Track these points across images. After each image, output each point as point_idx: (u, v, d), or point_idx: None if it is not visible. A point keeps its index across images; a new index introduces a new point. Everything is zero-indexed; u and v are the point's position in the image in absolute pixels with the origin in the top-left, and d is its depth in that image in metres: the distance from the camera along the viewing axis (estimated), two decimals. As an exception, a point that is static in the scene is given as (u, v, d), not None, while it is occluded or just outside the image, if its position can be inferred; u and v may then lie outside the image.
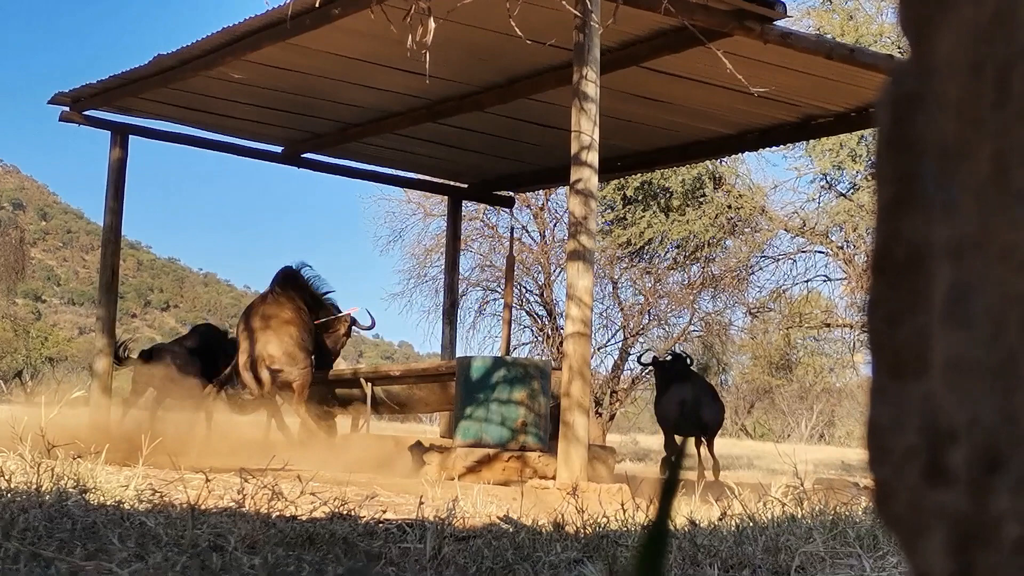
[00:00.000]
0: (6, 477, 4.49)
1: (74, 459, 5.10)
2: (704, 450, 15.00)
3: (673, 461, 0.72)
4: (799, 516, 4.82)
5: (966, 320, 0.65)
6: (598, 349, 27.12)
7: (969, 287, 0.66)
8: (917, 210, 0.69)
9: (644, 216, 25.81)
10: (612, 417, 28.35)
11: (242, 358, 15.20)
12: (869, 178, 24.02)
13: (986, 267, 0.65)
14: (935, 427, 0.66)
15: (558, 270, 26.98)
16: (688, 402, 13.12)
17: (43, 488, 4.41)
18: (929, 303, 0.67)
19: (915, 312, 0.68)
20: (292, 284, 16.04)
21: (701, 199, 25.93)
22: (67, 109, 15.95)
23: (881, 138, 0.71)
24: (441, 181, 19.98)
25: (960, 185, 0.67)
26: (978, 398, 0.65)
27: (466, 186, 19.62)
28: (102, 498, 4.58)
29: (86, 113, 16.09)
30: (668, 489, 0.71)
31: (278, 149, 17.80)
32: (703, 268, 26.99)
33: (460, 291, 22.73)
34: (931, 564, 0.66)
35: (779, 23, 11.62)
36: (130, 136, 16.57)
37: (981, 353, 0.65)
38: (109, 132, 16.46)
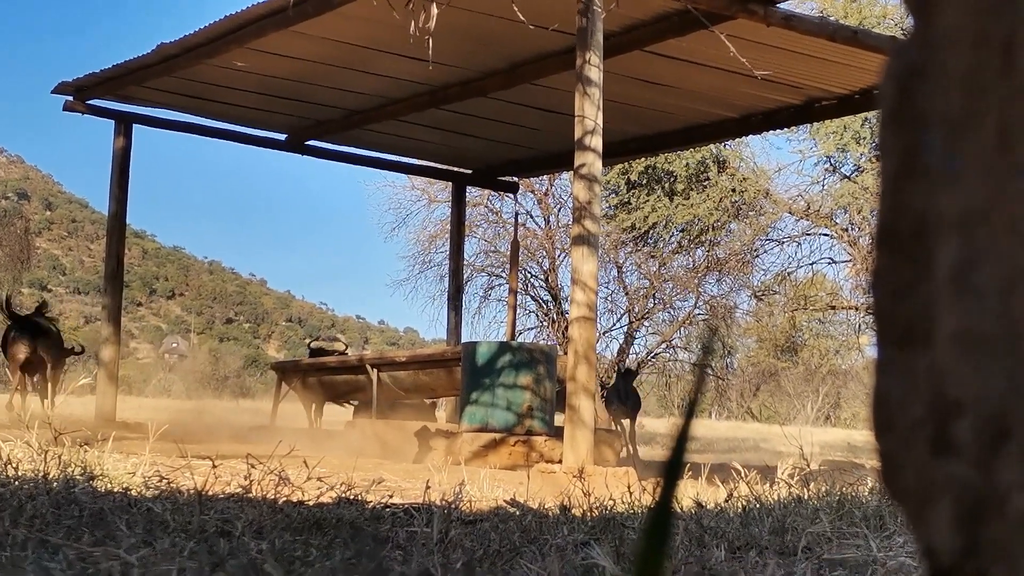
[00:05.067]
0: (13, 465, 4.50)
1: (81, 446, 5.11)
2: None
3: (677, 444, 0.72)
4: (805, 497, 4.83)
5: (972, 292, 0.65)
6: (603, 333, 27.13)
7: (975, 258, 0.65)
8: (921, 182, 0.69)
9: (648, 200, 25.80)
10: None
11: None
12: (873, 160, 23.98)
13: (992, 239, 0.65)
14: (941, 399, 0.66)
15: (563, 255, 26.98)
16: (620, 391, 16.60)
17: (50, 475, 4.42)
18: (934, 275, 0.67)
19: (920, 284, 0.68)
20: None
21: (705, 183, 25.92)
22: (71, 98, 15.96)
23: (885, 110, 0.71)
24: (445, 167, 19.98)
25: (965, 156, 0.67)
26: (985, 369, 0.65)
27: (470, 172, 19.62)
28: (109, 485, 4.59)
29: (90, 102, 16.09)
30: (671, 471, 0.71)
31: (282, 136, 17.80)
32: (708, 252, 26.99)
33: (465, 277, 22.75)
34: (938, 536, 0.66)
35: (782, 5, 11.61)
36: (134, 125, 16.58)
37: (988, 324, 0.65)
38: (113, 121, 16.47)
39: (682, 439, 0.71)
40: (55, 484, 4.25)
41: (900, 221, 0.69)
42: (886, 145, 0.71)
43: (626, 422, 16.60)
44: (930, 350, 0.67)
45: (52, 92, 15.91)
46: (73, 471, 4.57)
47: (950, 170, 0.67)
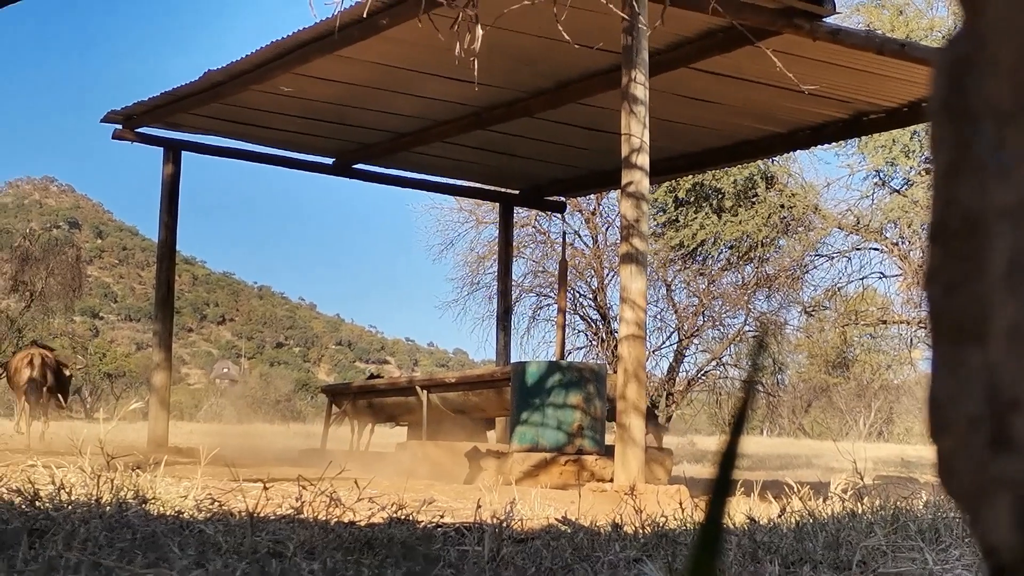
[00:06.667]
0: (67, 489, 4.52)
1: (133, 470, 5.13)
2: None
3: (725, 458, 0.71)
4: (859, 512, 4.78)
5: (1027, 286, 0.64)
6: (653, 352, 27.07)
7: (1029, 252, 0.64)
8: (973, 176, 0.68)
9: (696, 218, 25.73)
10: (668, 419, 28.27)
11: None
12: (923, 173, 23.85)
13: (1046, 232, 0.64)
14: (997, 395, 0.65)
15: (611, 274, 26.95)
16: None
17: (103, 499, 4.44)
18: (988, 270, 0.66)
19: (973, 280, 0.67)
20: None
21: (753, 199, 25.83)
22: (120, 127, 16.08)
23: (937, 104, 0.70)
24: (492, 188, 19.99)
25: (1016, 149, 0.66)
26: (1041, 365, 0.63)
27: (517, 192, 19.63)
28: (162, 508, 4.61)
29: (139, 130, 16.21)
30: (721, 486, 0.70)
31: (329, 161, 17.87)
32: (757, 268, 26.88)
33: (514, 297, 22.76)
34: (997, 535, 0.65)
35: (828, 20, 11.56)
36: (182, 152, 16.69)
37: (1043, 319, 0.64)
38: (161, 148, 16.59)
39: (731, 453, 0.70)
40: (108, 508, 4.27)
41: (953, 216, 0.68)
42: (938, 139, 0.70)
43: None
44: (985, 346, 0.66)
45: (101, 121, 16.04)
46: (126, 495, 4.59)
47: (1000, 163, 0.66)
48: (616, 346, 16.82)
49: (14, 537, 3.56)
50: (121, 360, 72.45)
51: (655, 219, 25.97)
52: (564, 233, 20.38)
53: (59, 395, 17.02)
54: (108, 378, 61.78)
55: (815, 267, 27.39)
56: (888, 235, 25.86)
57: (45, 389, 16.63)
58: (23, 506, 4.22)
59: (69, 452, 5.94)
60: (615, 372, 10.75)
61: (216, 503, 4.68)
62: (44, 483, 4.72)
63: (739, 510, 5.00)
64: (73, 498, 4.42)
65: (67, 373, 18.19)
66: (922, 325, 25.31)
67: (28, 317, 43.15)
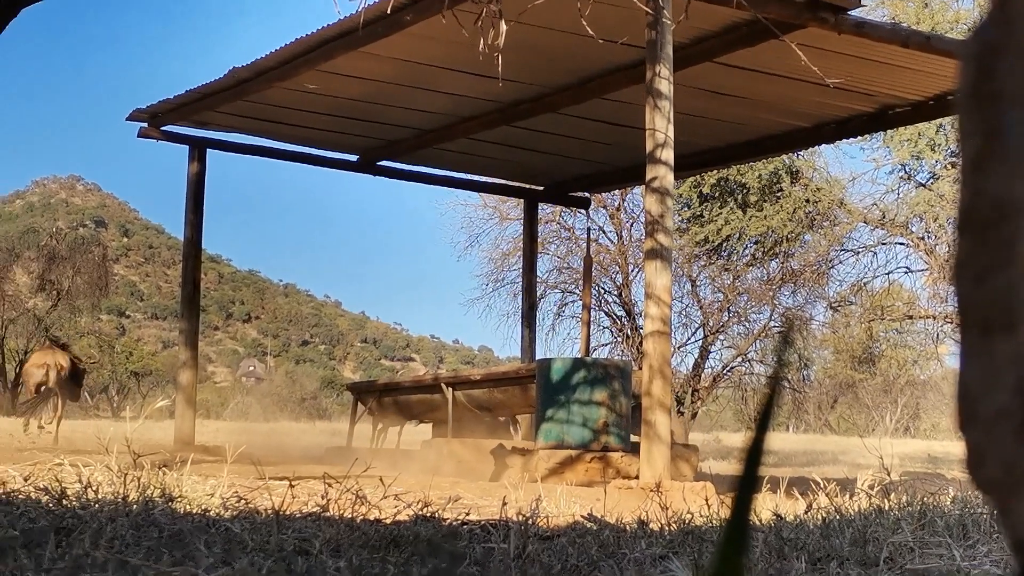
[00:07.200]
0: (93, 488, 4.53)
1: (160, 469, 5.14)
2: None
3: (751, 454, 0.70)
4: (886, 508, 4.76)
5: (1057, 275, 0.63)
6: (678, 348, 27.03)
7: (1060, 241, 0.63)
8: (1002, 164, 0.66)
9: (721, 213, 25.66)
10: (694, 416, 28.22)
11: None
12: (949, 167, 23.75)
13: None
14: (1028, 387, 0.64)
15: (636, 270, 26.92)
16: None
17: (130, 498, 4.45)
18: (1017, 259, 0.65)
19: (1002, 269, 0.66)
20: None
21: (778, 194, 25.75)
22: (145, 125, 16.13)
23: (964, 91, 0.69)
24: (516, 184, 19.98)
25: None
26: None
27: (541, 188, 19.62)
28: (188, 506, 4.61)
29: (164, 128, 16.26)
30: (746, 482, 0.69)
31: (354, 158, 17.90)
32: (782, 263, 26.80)
33: (538, 294, 22.74)
34: (1028, 529, 0.63)
35: (853, 13, 11.51)
36: (207, 150, 16.72)
37: (1074, 309, 0.62)
38: (187, 146, 16.63)
39: (757, 450, 0.69)
40: (135, 506, 4.27)
41: (981, 205, 0.67)
42: (966, 127, 0.69)
43: None
44: (1014, 336, 0.65)
45: (127, 119, 16.09)
46: (152, 493, 4.60)
47: (1031, 151, 0.65)
48: (641, 342, 16.80)
49: (41, 535, 3.57)
50: (147, 359, 72.67)
51: (680, 214, 25.91)
52: (588, 229, 20.38)
53: (74, 390, 17.64)
54: (135, 377, 61.98)
55: (840, 262, 27.29)
56: (914, 229, 25.75)
57: (57, 392, 17.05)
58: (50, 504, 4.23)
59: (96, 451, 5.96)
60: (640, 368, 10.74)
61: (242, 501, 4.69)
62: (71, 481, 4.74)
63: (765, 507, 4.98)
64: (100, 496, 4.43)
65: (81, 367, 18.53)
66: (948, 320, 25.23)
67: (55, 316, 43.34)
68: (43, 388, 16.94)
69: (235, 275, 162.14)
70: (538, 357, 17.56)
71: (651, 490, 6.46)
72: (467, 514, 4.77)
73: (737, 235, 25.95)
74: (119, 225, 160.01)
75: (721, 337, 27.91)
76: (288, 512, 4.29)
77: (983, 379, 0.66)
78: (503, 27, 9.10)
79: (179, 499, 4.66)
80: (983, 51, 0.69)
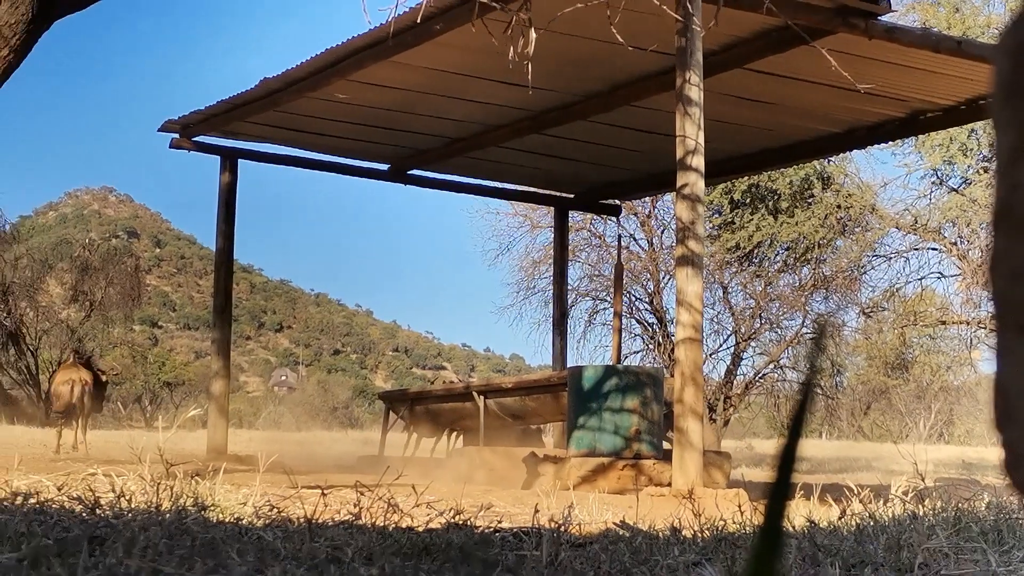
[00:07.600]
0: (127, 497, 4.54)
1: (193, 478, 5.16)
2: None
3: (783, 460, 0.69)
4: (921, 514, 4.73)
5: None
6: (710, 355, 26.93)
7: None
8: (1039, 159, 0.66)
9: (752, 219, 25.59)
10: (727, 423, 28.14)
11: None
12: (981, 171, 23.62)
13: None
14: (1067, 385, 0.63)
15: (667, 277, 26.85)
16: None
17: (163, 507, 4.46)
18: (1055, 256, 0.64)
19: (1041, 266, 0.65)
20: None
21: (810, 200, 25.67)
22: (177, 136, 16.19)
23: (999, 86, 0.68)
24: (547, 192, 19.99)
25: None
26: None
27: (572, 196, 19.61)
28: (221, 515, 4.62)
29: (195, 139, 16.32)
30: (779, 488, 0.69)
31: (384, 167, 17.93)
32: (814, 269, 26.70)
33: (569, 301, 22.71)
34: (1068, 530, 0.63)
35: (883, 18, 11.48)
36: (239, 160, 16.78)
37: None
38: (218, 157, 16.69)
39: (790, 456, 0.68)
40: (167, 515, 4.28)
41: (1018, 200, 0.66)
42: (1001, 121, 0.68)
43: None
44: (1053, 334, 0.64)
45: (159, 130, 16.16)
46: (185, 502, 4.61)
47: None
48: (673, 350, 16.76)
49: (75, 544, 3.58)
50: (180, 369, 72.92)
51: (711, 221, 25.85)
52: (619, 236, 20.36)
53: (98, 402, 18.05)
54: (167, 387, 62.20)
55: (873, 268, 27.17)
56: (946, 235, 25.62)
57: (83, 406, 17.41)
58: (84, 514, 4.24)
59: (129, 460, 5.98)
60: (672, 376, 10.71)
61: (275, 510, 4.69)
62: (104, 491, 4.75)
63: (799, 513, 4.96)
64: (133, 506, 4.44)
65: (104, 379, 18.84)
66: (982, 325, 25.08)
67: (88, 327, 43.52)
68: (70, 405, 17.26)
69: (267, 285, 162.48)
70: (569, 365, 17.54)
71: (684, 497, 6.43)
72: (499, 521, 4.77)
73: (768, 241, 25.88)
74: (151, 236, 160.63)
75: (753, 344, 27.81)
76: (320, 520, 4.29)
77: (1020, 378, 0.65)
78: (533, 35, 9.10)
79: (212, 508, 4.67)
80: (1019, 47, 0.68)
